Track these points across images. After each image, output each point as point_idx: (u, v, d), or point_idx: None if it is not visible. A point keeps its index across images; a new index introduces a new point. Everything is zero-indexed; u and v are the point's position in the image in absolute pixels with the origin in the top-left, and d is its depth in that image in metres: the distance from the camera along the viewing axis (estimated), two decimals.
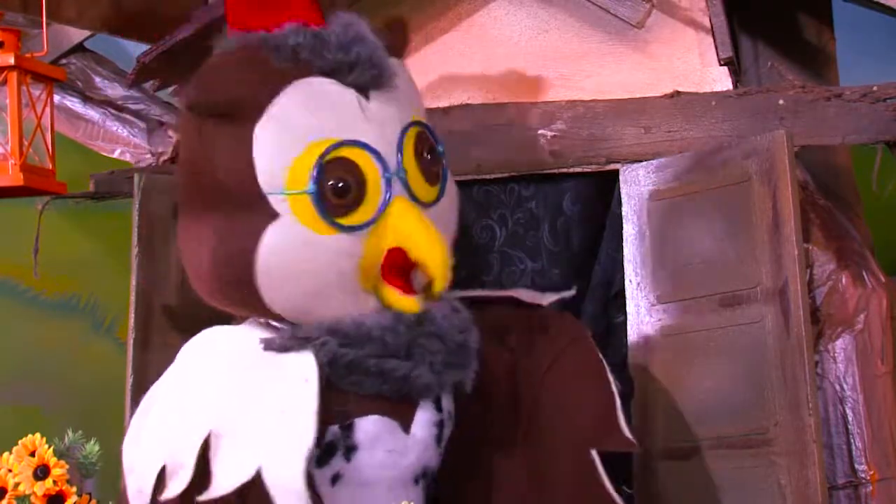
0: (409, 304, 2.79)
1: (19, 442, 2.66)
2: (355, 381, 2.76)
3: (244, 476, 2.63)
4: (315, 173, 2.75)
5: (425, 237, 2.76)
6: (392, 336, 2.77)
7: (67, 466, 2.65)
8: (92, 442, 2.75)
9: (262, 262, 2.76)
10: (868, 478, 3.26)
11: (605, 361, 2.95)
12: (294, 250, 2.77)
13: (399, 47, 3.00)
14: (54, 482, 2.62)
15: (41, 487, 2.61)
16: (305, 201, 2.75)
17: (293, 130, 2.78)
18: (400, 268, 2.78)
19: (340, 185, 2.76)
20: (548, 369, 2.95)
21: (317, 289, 2.79)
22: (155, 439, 2.74)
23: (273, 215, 2.77)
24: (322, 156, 2.75)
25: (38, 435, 2.67)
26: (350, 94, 2.80)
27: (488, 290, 3.23)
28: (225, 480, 2.64)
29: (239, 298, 2.84)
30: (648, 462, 3.26)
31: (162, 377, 2.85)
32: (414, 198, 2.82)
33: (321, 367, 2.73)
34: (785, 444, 3.08)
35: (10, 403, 4.21)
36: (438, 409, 2.84)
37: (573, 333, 3.01)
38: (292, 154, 2.77)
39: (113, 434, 2.90)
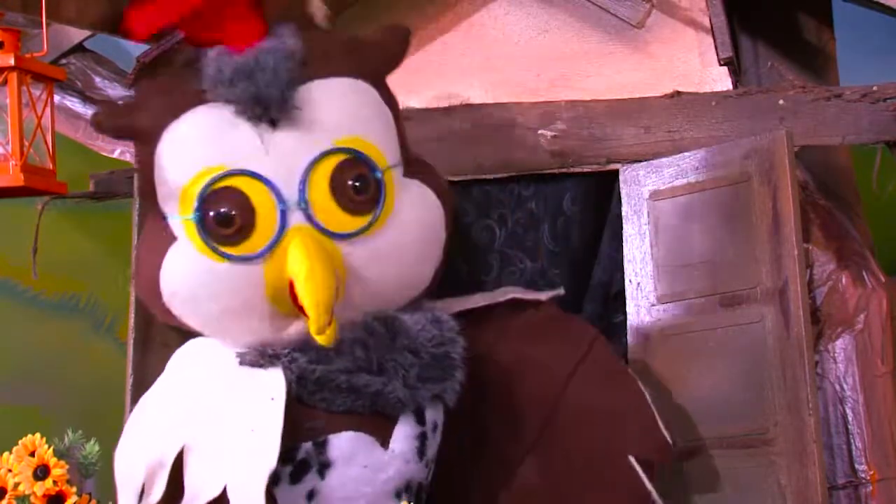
0: (316, 334, 2.71)
1: (19, 442, 2.66)
2: (326, 398, 2.75)
3: (212, 493, 2.65)
4: (198, 201, 2.75)
5: (305, 273, 2.69)
6: (362, 350, 2.75)
7: (67, 466, 2.65)
8: (92, 442, 2.75)
9: (165, 284, 2.81)
10: (868, 478, 3.27)
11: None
12: (190, 275, 2.80)
13: (394, 55, 2.96)
14: (54, 482, 2.62)
15: (41, 487, 2.61)
16: (193, 227, 2.76)
17: (185, 156, 2.79)
18: (297, 299, 2.72)
19: (223, 213, 2.75)
20: (571, 375, 2.92)
21: (223, 313, 2.80)
22: (138, 450, 2.76)
23: (173, 238, 2.81)
24: (208, 184, 2.75)
25: (37, 435, 2.67)
26: (250, 125, 2.78)
27: (483, 295, 3.20)
28: (194, 496, 2.65)
29: (172, 319, 2.87)
30: None
31: (153, 385, 2.87)
32: (321, 228, 2.76)
33: (289, 383, 2.73)
34: (785, 444, 3.08)
35: (9, 403, 4.21)
36: (420, 421, 2.81)
37: (589, 337, 2.99)
38: (183, 180, 2.78)
39: (113, 434, 2.90)
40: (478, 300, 3.08)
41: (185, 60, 2.86)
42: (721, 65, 3.43)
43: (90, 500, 2.67)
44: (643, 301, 3.34)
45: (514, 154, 3.47)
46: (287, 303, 2.75)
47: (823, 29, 3.65)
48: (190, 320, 2.84)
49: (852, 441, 3.28)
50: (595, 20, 3.51)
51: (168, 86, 2.88)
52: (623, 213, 3.40)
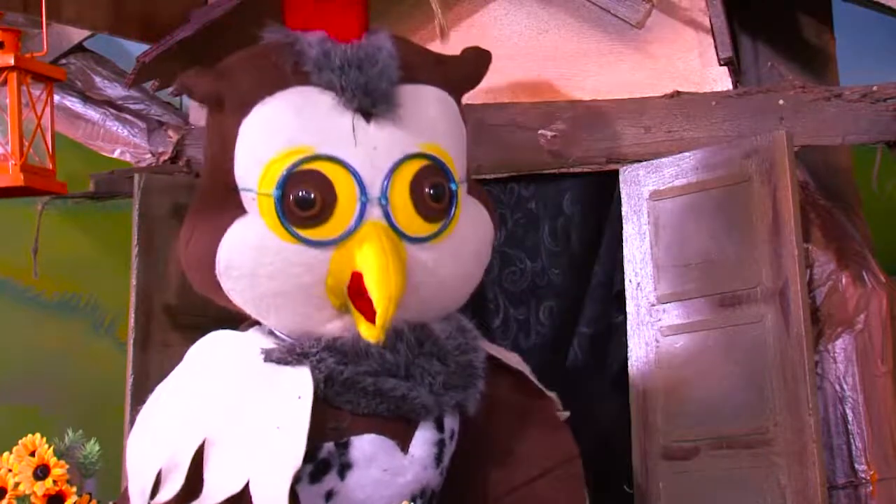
0: (367, 330, 2.71)
1: (19, 442, 2.66)
2: (352, 399, 2.75)
3: (233, 488, 2.63)
4: (282, 179, 2.74)
5: (379, 267, 2.68)
6: (391, 354, 2.75)
7: (67, 466, 2.65)
8: (92, 442, 2.74)
9: (222, 256, 2.77)
10: (868, 478, 3.27)
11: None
12: (253, 250, 2.77)
13: (475, 74, 2.97)
14: (54, 482, 2.62)
15: (41, 487, 2.61)
16: (271, 204, 2.75)
17: (275, 132, 2.77)
18: (358, 292, 2.72)
19: (303, 196, 2.73)
20: (539, 476, 2.91)
21: (274, 294, 2.77)
22: (156, 440, 2.74)
23: (242, 212, 2.78)
24: (295, 163, 2.74)
25: (38, 435, 2.67)
26: (347, 113, 2.77)
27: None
28: (215, 490, 2.64)
29: (213, 291, 2.84)
30: (648, 462, 3.26)
31: (169, 376, 2.85)
32: (396, 228, 2.76)
33: (316, 383, 2.72)
34: (785, 444, 3.08)
35: (9, 403, 4.21)
36: (440, 428, 2.81)
37: (571, 453, 2.96)
38: (268, 155, 2.76)
39: (113, 434, 2.90)
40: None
41: (276, 40, 2.84)
42: (721, 65, 3.43)
43: (90, 500, 2.67)
44: (643, 301, 3.34)
45: (514, 154, 3.48)
46: (342, 295, 2.75)
47: (823, 29, 3.65)
48: (239, 296, 2.81)
49: (852, 441, 3.28)
50: (595, 20, 3.51)
51: (263, 60, 2.83)
52: (623, 213, 3.40)
